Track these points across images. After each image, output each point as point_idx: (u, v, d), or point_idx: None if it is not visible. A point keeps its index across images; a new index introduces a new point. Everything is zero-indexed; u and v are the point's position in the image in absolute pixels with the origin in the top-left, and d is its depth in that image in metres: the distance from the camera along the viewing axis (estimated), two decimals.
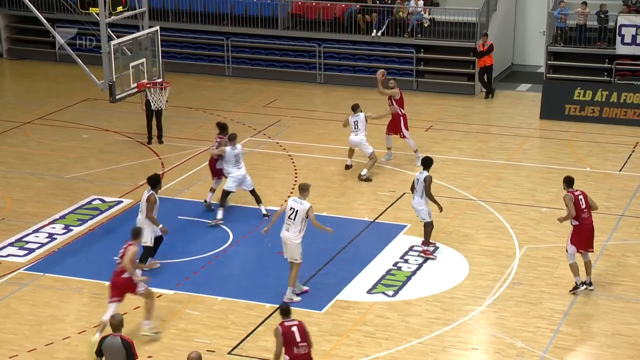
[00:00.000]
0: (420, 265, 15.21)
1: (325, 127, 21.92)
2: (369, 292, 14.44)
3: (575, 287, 14.14)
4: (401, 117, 19.37)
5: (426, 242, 15.44)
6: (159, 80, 19.13)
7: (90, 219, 16.94)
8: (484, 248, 15.80)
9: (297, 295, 14.05)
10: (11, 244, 15.92)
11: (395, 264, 15.28)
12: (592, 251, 14.25)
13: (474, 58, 24.37)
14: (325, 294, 14.31)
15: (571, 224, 14.12)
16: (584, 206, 14.01)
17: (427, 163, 15.59)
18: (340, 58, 25.66)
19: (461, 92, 24.56)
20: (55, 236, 16.23)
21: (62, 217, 17.02)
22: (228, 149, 16.70)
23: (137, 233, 13.12)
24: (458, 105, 23.83)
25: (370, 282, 14.71)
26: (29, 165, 19.57)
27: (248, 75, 26.03)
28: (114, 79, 17.97)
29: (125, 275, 12.75)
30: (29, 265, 15.14)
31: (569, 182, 14.29)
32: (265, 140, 21.11)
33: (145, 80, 18.81)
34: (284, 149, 20.00)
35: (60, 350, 12.77)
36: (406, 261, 15.37)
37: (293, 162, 19.69)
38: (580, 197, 14.09)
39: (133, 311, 13.77)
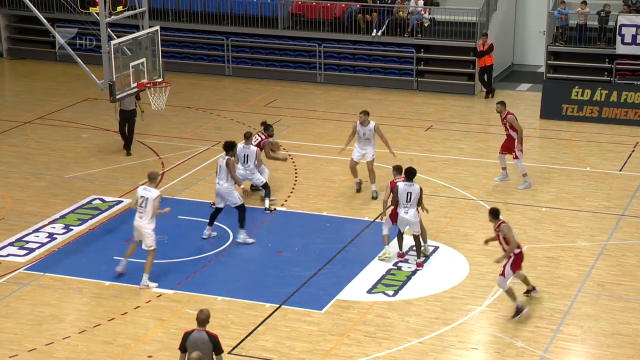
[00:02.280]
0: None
1: (325, 127, 21.93)
2: (369, 291, 14.44)
3: (518, 312, 13.36)
4: (515, 139, 18.03)
5: (419, 254, 15.23)
6: (159, 80, 19.13)
7: (91, 218, 16.94)
8: (484, 248, 15.74)
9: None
10: (11, 244, 15.92)
11: (395, 264, 15.27)
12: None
13: (474, 58, 24.37)
14: (326, 293, 14.31)
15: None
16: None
17: (411, 174, 15.02)
18: (340, 58, 25.66)
19: (461, 91, 24.57)
20: (55, 236, 16.23)
21: (62, 216, 17.02)
22: (240, 146, 16.75)
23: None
24: (458, 104, 23.84)
25: (371, 281, 14.71)
26: (29, 165, 19.57)
27: (248, 74, 26.04)
28: (114, 79, 17.95)
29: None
30: (29, 265, 15.14)
31: (495, 213, 13.48)
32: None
33: (145, 80, 18.80)
34: (284, 149, 20.00)
35: (60, 350, 12.78)
36: (406, 261, 15.36)
37: (293, 162, 19.69)
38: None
39: (133, 310, 13.79)
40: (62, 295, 14.30)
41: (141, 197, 14.36)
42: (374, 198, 17.63)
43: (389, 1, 25.39)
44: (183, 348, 10.71)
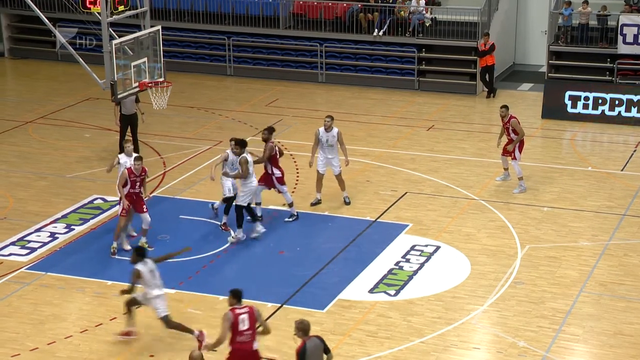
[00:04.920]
0: (422, 265, 15.21)
1: None
2: (371, 291, 14.44)
3: None
4: (515, 143, 17.77)
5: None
6: (161, 79, 19.13)
7: (92, 218, 16.94)
8: (485, 247, 15.79)
9: None
10: (13, 243, 15.92)
11: (397, 264, 15.27)
12: None
13: (475, 57, 24.36)
14: (327, 293, 14.31)
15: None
16: (245, 327, 11.21)
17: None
18: (342, 57, 25.65)
19: (463, 91, 24.56)
20: (57, 235, 16.23)
21: (64, 216, 17.02)
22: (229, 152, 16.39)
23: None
24: (460, 104, 23.83)
25: (372, 281, 14.70)
26: (31, 164, 19.57)
27: (250, 74, 26.04)
28: (116, 79, 17.96)
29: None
30: (30, 265, 15.14)
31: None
32: None
33: (146, 80, 18.81)
34: (286, 148, 19.98)
35: (62, 349, 12.78)
36: (408, 260, 15.36)
37: (295, 162, 19.68)
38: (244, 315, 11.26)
39: (135, 310, 13.79)
40: (64, 294, 14.30)
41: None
42: (347, 204, 17.38)
43: (391, 1, 25.38)
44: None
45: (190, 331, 12.74)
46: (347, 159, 17.19)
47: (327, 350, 10.75)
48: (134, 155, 15.60)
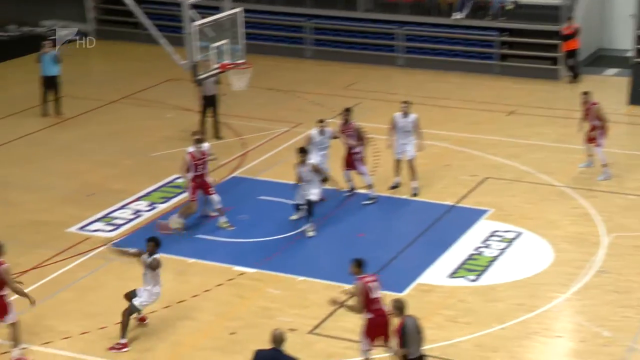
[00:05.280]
0: (502, 251, 15.04)
1: None
2: (451, 276, 14.35)
3: None
4: (599, 129, 17.53)
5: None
6: (241, 61, 19.27)
7: (174, 197, 17.20)
8: (569, 235, 15.52)
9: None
10: (99, 220, 16.29)
11: (477, 249, 15.14)
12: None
13: (558, 41, 23.89)
14: (406, 277, 14.26)
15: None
16: (378, 294, 11.52)
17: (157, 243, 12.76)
18: (421, 41, 25.44)
19: (545, 76, 24.11)
20: (140, 213, 16.54)
21: (147, 194, 17.32)
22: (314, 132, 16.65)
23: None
24: (542, 89, 23.41)
25: (452, 266, 14.61)
26: (116, 143, 19.96)
27: (328, 57, 26.02)
28: (197, 60, 18.16)
29: None
30: (115, 241, 15.45)
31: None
32: None
33: (227, 61, 18.97)
34: (367, 139, 19.90)
35: (148, 324, 13.01)
36: (488, 246, 15.21)
37: (374, 145, 19.62)
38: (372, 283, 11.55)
39: (216, 288, 13.98)
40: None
41: None
42: (414, 195, 17.02)
43: None
44: (405, 342, 10.65)
45: (123, 334, 12.52)
46: (422, 145, 17.02)
47: (420, 330, 10.81)
48: (195, 137, 15.74)
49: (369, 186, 16.81)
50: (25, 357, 12.10)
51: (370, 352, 11.60)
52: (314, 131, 16.73)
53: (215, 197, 15.71)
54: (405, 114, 16.87)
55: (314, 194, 15.55)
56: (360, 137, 16.92)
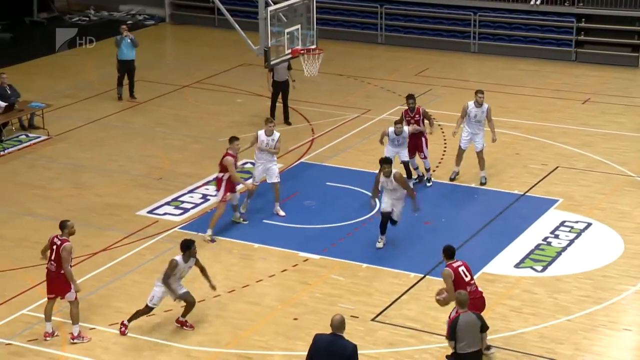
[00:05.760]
0: (571, 242, 14.76)
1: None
2: (517, 266, 14.16)
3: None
4: None
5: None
6: (313, 47, 19.26)
7: (238, 184, 17.25)
8: None
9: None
10: (167, 203, 16.55)
11: (545, 239, 14.89)
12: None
13: (639, 28, 23.23)
14: (472, 266, 13.86)
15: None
16: (468, 278, 11.61)
17: (187, 247, 12.47)
18: (496, 27, 25.05)
19: (624, 63, 23.50)
20: (208, 197, 16.73)
21: (215, 179, 17.47)
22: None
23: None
24: (619, 77, 22.83)
25: (519, 256, 14.41)
26: (186, 128, 20.23)
27: (401, 43, 25.84)
28: (270, 45, 18.23)
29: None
30: (183, 225, 15.69)
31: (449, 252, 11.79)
32: None
33: (299, 47, 18.99)
34: (434, 119, 19.76)
35: (212, 307, 13.18)
36: (556, 236, 14.95)
37: (442, 132, 19.46)
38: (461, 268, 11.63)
39: (280, 273, 14.08)
40: (214, 255, 14.75)
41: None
42: (483, 184, 16.79)
43: None
44: (452, 335, 10.60)
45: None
46: (494, 136, 16.81)
47: (483, 328, 10.66)
48: (231, 137, 15.34)
49: (427, 170, 16.73)
50: (84, 334, 12.40)
51: None
52: (390, 129, 16.40)
53: (236, 196, 15.40)
54: (479, 104, 16.62)
55: (389, 204, 14.56)
56: (427, 118, 16.82)
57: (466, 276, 11.51)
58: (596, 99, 21.25)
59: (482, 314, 11.11)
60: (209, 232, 15.15)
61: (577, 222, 15.40)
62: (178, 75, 23.73)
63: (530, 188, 16.71)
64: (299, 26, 18.96)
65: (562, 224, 15.34)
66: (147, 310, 12.61)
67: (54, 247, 12.20)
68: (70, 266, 12.26)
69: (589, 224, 15.28)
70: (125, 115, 21.11)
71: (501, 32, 24.98)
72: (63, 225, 12.33)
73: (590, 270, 13.92)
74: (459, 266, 11.57)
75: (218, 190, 15.31)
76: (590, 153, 18.19)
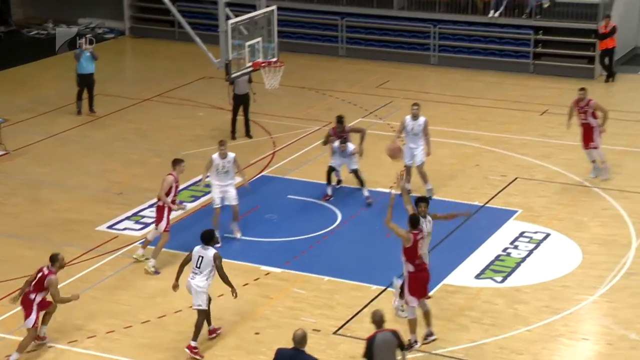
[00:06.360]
0: (530, 252, 14.91)
1: (437, 110, 21.60)
2: (477, 277, 14.26)
3: (410, 345, 12.19)
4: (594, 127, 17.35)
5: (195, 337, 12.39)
6: (274, 59, 19.28)
7: (203, 195, 17.28)
8: (598, 236, 15.34)
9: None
10: (128, 218, 16.43)
11: (504, 250, 15.02)
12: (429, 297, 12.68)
13: (595, 40, 23.59)
14: (433, 277, 14.06)
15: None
16: (422, 250, 12.23)
17: (208, 238, 12.46)
18: (456, 39, 25.28)
19: (580, 75, 23.81)
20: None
21: (177, 193, 17.38)
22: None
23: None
24: (576, 88, 22.81)
25: (479, 267, 14.52)
26: (147, 142, 20.13)
27: (362, 55, 25.97)
28: (231, 58, 18.20)
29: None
30: (144, 239, 15.56)
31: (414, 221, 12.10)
32: (376, 121, 21.05)
33: (260, 60, 18.99)
34: (395, 131, 19.87)
35: (172, 323, 13.12)
36: (516, 247, 15.09)
37: (404, 144, 19.52)
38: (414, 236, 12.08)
39: (242, 287, 14.04)
40: (174, 270, 14.56)
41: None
42: (429, 198, 16.28)
43: None
44: (369, 355, 10.49)
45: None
46: (429, 149, 16.60)
47: (402, 347, 10.62)
48: (175, 159, 15.02)
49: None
50: None
51: (415, 311, 12.18)
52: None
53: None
54: (415, 117, 16.56)
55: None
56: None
57: (420, 249, 12.14)
58: (554, 110, 21.50)
59: (442, 325, 11.18)
60: (153, 262, 14.50)
61: (536, 232, 15.56)
62: (138, 89, 23.61)
63: (490, 199, 16.86)
64: (260, 39, 18.97)
65: (521, 234, 15.49)
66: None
67: (39, 274, 12.19)
68: (60, 296, 12.26)
69: (548, 235, 15.45)
70: (84, 129, 20.94)
71: (461, 45, 25.21)
72: (54, 258, 12.31)
73: (548, 280, 14.06)
74: (420, 238, 12.14)
75: (159, 221, 14.63)
76: (549, 164, 18.40)
